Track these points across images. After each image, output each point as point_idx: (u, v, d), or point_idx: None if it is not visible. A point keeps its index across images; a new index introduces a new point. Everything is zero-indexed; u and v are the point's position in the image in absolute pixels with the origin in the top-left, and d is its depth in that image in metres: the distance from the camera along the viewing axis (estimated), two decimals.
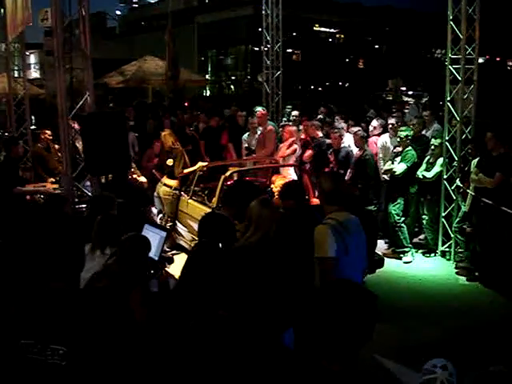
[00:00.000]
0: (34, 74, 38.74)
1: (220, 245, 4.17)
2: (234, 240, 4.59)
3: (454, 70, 8.98)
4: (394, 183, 9.45)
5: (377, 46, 58.86)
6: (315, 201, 7.63)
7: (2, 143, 9.57)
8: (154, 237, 5.08)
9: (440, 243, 9.52)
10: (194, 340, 3.01)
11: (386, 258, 8.41)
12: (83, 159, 7.31)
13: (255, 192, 5.50)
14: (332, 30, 57.11)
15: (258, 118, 11.38)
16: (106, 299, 3.09)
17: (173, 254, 8.59)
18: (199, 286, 3.41)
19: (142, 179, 10.21)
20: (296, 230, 4.97)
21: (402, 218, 9.43)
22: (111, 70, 22.63)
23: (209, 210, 7.70)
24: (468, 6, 8.72)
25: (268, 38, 14.27)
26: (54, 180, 9.49)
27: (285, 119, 13.65)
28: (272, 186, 9.14)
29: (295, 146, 10.36)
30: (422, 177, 9.31)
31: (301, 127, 11.51)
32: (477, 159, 8.52)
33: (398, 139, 9.44)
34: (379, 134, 10.39)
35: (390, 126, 10.21)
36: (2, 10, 10.70)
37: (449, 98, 9.10)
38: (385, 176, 9.76)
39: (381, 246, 9.69)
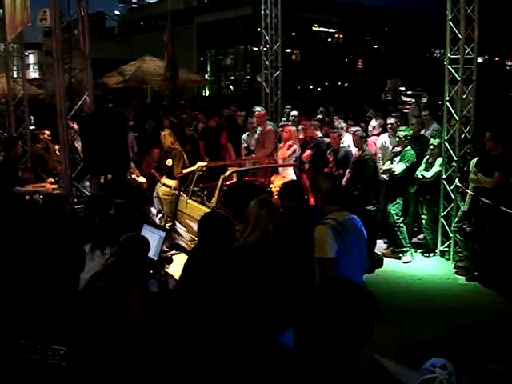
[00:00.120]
0: (33, 74, 38.76)
1: (220, 245, 4.17)
2: (234, 240, 4.59)
3: (452, 70, 8.98)
4: (394, 183, 9.45)
5: (376, 46, 58.93)
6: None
7: (1, 143, 9.56)
8: (153, 237, 5.08)
9: (439, 243, 9.52)
10: (194, 340, 3.01)
11: (385, 258, 8.41)
12: (82, 159, 7.31)
13: (256, 192, 5.49)
14: (331, 30, 57.16)
15: (257, 118, 11.39)
16: (106, 299, 3.10)
17: (172, 254, 8.60)
18: (199, 287, 3.41)
19: (141, 179, 10.21)
20: (296, 230, 4.98)
21: (401, 218, 9.43)
22: (110, 70, 22.64)
23: (208, 210, 7.70)
24: (467, 6, 8.73)
25: (267, 37, 14.27)
26: (53, 180, 9.48)
27: (284, 119, 13.65)
28: (271, 186, 9.14)
29: (295, 147, 10.36)
30: (421, 176, 9.31)
31: (300, 127, 11.51)
32: (476, 159, 8.52)
33: (397, 139, 9.45)
34: (378, 134, 10.40)
35: (389, 125, 10.21)
36: (1, 11, 10.68)
37: (448, 98, 9.10)
38: (384, 176, 9.77)
39: (380, 245, 9.70)
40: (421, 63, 51.72)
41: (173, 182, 9.63)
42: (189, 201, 9.20)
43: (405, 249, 9.40)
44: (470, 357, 5.63)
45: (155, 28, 47.72)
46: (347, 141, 10.33)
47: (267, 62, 14.45)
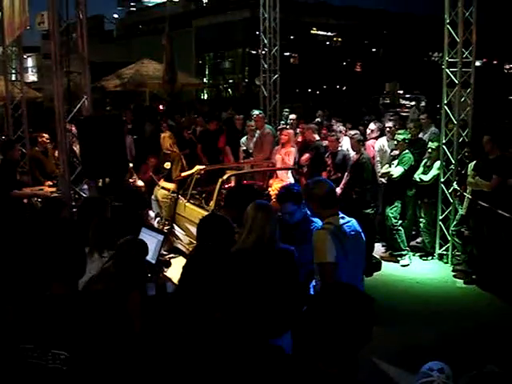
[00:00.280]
0: (32, 77, 38.70)
1: (218, 248, 4.16)
2: (233, 242, 4.59)
3: (450, 74, 9.00)
4: (392, 186, 9.46)
5: (374, 50, 58.98)
6: None
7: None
8: (152, 240, 5.08)
9: (437, 246, 9.53)
10: (191, 343, 3.01)
11: (383, 261, 8.41)
12: (80, 163, 7.30)
13: (255, 195, 5.49)
14: (329, 34, 57.21)
15: (255, 121, 11.42)
16: (105, 303, 3.09)
17: (170, 258, 8.59)
18: (197, 290, 3.41)
19: (140, 183, 10.20)
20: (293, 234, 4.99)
21: (400, 221, 9.44)
22: (109, 73, 22.63)
23: (206, 213, 7.70)
24: (465, 10, 8.75)
25: (265, 41, 14.28)
26: (51, 183, 9.48)
27: (283, 122, 13.67)
28: (269, 189, 9.14)
29: (293, 150, 10.35)
30: (419, 180, 9.32)
31: (298, 130, 11.52)
32: (474, 162, 8.53)
33: (395, 142, 9.46)
34: (377, 138, 10.41)
35: (388, 129, 10.23)
36: (0, 14, 10.69)
37: (446, 101, 9.12)
38: (382, 179, 9.78)
39: (378, 249, 9.70)
40: (419, 66, 51.79)
41: (171, 185, 9.63)
42: (187, 204, 9.20)
43: (403, 252, 9.41)
44: (468, 360, 5.63)
45: (154, 31, 47.67)
46: (346, 144, 10.34)
47: (265, 66, 14.45)
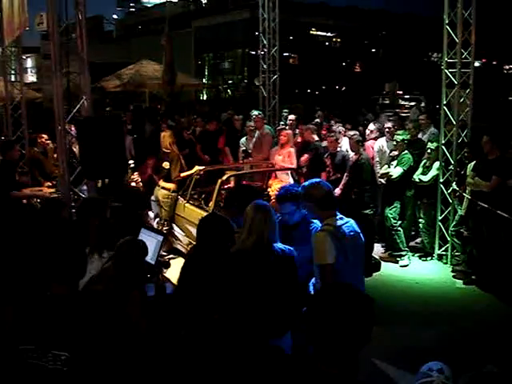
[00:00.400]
0: (31, 77, 38.70)
1: (217, 248, 4.17)
2: (233, 242, 4.60)
3: (450, 74, 9.00)
4: (391, 187, 9.47)
5: (373, 50, 58.99)
6: None
7: None
8: (151, 241, 5.07)
9: (437, 247, 9.53)
10: (190, 344, 3.01)
11: (382, 262, 8.41)
12: (80, 163, 7.30)
13: (255, 196, 5.49)
14: (329, 34, 57.23)
15: (254, 121, 11.44)
16: (105, 304, 3.09)
17: (169, 259, 8.60)
18: (195, 291, 3.41)
19: (134, 183, 10.18)
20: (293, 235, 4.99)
21: (399, 222, 9.44)
22: (108, 73, 22.64)
23: (206, 214, 7.70)
24: (464, 10, 8.75)
25: (265, 41, 14.28)
26: (50, 184, 9.48)
27: (282, 123, 13.67)
28: (269, 189, 9.15)
29: (293, 151, 10.35)
30: (418, 180, 9.32)
31: (297, 131, 11.52)
32: (473, 163, 8.53)
33: (395, 143, 9.47)
34: (376, 138, 10.41)
35: (387, 129, 10.23)
36: None
37: (445, 102, 9.12)
38: (381, 180, 9.78)
39: (377, 249, 9.70)
40: (418, 67, 51.78)
41: (171, 185, 9.63)
42: (186, 204, 9.20)
43: (402, 252, 9.41)
44: (468, 360, 5.63)
45: (153, 32, 47.69)
46: (345, 145, 10.34)
47: (265, 66, 14.45)
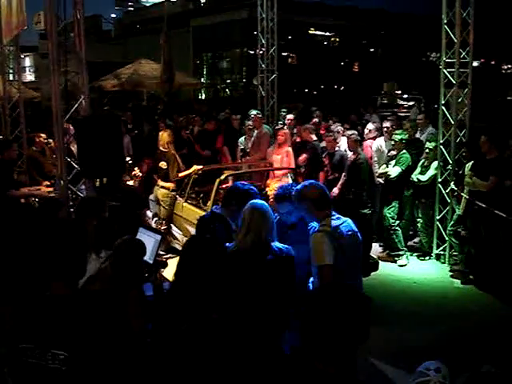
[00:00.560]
0: (29, 76, 38.67)
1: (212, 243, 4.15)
2: (230, 240, 4.61)
3: (448, 74, 9.01)
4: (389, 186, 9.47)
5: (372, 50, 59.01)
6: None
7: None
8: (149, 240, 5.07)
9: (435, 246, 9.54)
10: (188, 343, 3.01)
11: (380, 261, 8.43)
12: (78, 162, 7.29)
13: (253, 195, 5.48)
14: (327, 34, 57.26)
15: (253, 121, 11.44)
16: (103, 303, 3.09)
17: (167, 258, 8.58)
18: (192, 288, 3.41)
19: (130, 182, 10.16)
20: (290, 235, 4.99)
21: (397, 221, 9.45)
22: (106, 73, 22.61)
23: (204, 213, 7.70)
24: (462, 10, 8.76)
25: (263, 41, 14.27)
26: (48, 183, 9.46)
27: (281, 122, 13.67)
28: (267, 189, 9.14)
29: (290, 150, 10.35)
30: (416, 180, 9.33)
31: (295, 130, 11.52)
32: (471, 162, 8.54)
33: (393, 143, 9.47)
34: (374, 138, 10.42)
35: (385, 129, 10.23)
36: None
37: (443, 102, 9.13)
38: (380, 179, 9.78)
39: (375, 249, 9.72)
40: (417, 67, 51.81)
41: (170, 184, 9.64)
42: (185, 204, 9.20)
43: (400, 252, 9.42)
44: (465, 360, 5.64)
45: (151, 31, 47.60)
46: (344, 145, 10.34)
47: (263, 66, 14.44)
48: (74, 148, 8.21)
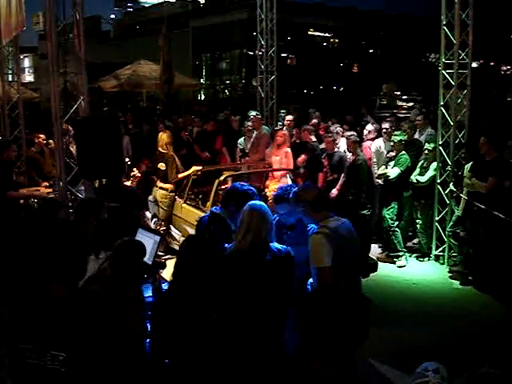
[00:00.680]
0: (28, 77, 38.69)
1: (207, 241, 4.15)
2: (230, 240, 4.61)
3: (447, 75, 9.01)
4: (388, 187, 9.47)
5: (371, 51, 59.03)
6: None
7: None
8: (148, 241, 5.07)
9: (434, 247, 9.54)
10: (188, 343, 3.01)
11: (379, 262, 8.42)
12: (77, 163, 7.29)
13: (252, 196, 5.48)
14: (326, 35, 57.26)
15: (252, 122, 11.44)
16: (102, 304, 3.09)
17: (166, 259, 8.57)
18: (190, 288, 3.41)
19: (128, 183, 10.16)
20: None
21: (396, 223, 9.45)
22: (106, 73, 22.61)
23: (203, 214, 7.70)
24: (461, 11, 8.76)
25: (262, 42, 14.28)
26: (47, 184, 9.46)
27: (280, 123, 13.67)
28: (266, 190, 9.14)
29: (289, 151, 10.35)
30: (415, 181, 9.33)
31: (294, 131, 11.52)
32: (470, 164, 8.54)
33: (392, 144, 9.47)
34: (373, 139, 10.41)
35: (384, 130, 10.23)
36: None
37: (442, 103, 9.13)
38: (379, 180, 9.78)
39: (374, 250, 9.71)
40: (416, 68, 51.82)
41: (169, 185, 9.63)
42: (184, 205, 9.20)
43: (399, 253, 9.42)
44: (464, 361, 5.64)
45: (151, 32, 47.58)
46: (343, 146, 10.34)
47: (262, 67, 14.45)
48: (73, 149, 8.22)
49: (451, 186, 9.01)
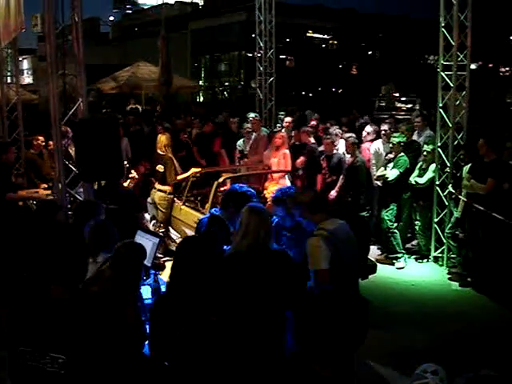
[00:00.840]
0: (27, 79, 38.68)
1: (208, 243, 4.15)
2: (228, 242, 4.61)
3: (445, 77, 9.02)
4: (387, 189, 9.48)
5: (370, 52, 59.03)
6: None
7: None
8: (147, 243, 5.08)
9: (432, 249, 9.54)
10: (187, 345, 3.01)
11: (378, 264, 8.42)
12: (76, 165, 7.28)
13: (251, 197, 5.49)
14: (325, 37, 57.21)
15: (251, 123, 11.45)
16: (102, 306, 3.08)
17: (165, 261, 8.57)
18: (187, 290, 3.41)
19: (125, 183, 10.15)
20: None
21: (395, 224, 9.45)
22: (104, 75, 22.63)
23: (202, 216, 7.70)
24: (460, 13, 8.77)
25: (261, 44, 14.30)
26: (46, 186, 9.46)
27: (279, 125, 13.68)
28: (265, 192, 9.15)
29: (287, 153, 10.35)
30: (414, 183, 9.33)
31: (292, 133, 11.53)
32: (469, 165, 8.55)
33: (391, 145, 9.48)
34: (372, 140, 10.42)
35: (383, 132, 10.24)
36: None
37: (441, 105, 9.14)
38: (377, 182, 9.78)
39: (373, 251, 9.70)
40: (415, 69, 51.82)
41: (167, 187, 9.63)
42: (183, 207, 9.20)
43: (398, 255, 9.42)
44: (463, 362, 5.65)
45: (149, 34, 47.53)
46: (342, 147, 10.34)
47: (261, 68, 14.47)
48: (72, 151, 8.22)
49: (450, 188, 9.02)
